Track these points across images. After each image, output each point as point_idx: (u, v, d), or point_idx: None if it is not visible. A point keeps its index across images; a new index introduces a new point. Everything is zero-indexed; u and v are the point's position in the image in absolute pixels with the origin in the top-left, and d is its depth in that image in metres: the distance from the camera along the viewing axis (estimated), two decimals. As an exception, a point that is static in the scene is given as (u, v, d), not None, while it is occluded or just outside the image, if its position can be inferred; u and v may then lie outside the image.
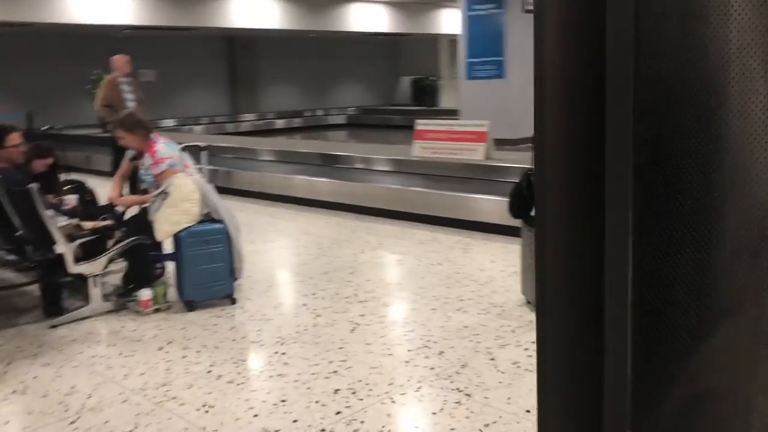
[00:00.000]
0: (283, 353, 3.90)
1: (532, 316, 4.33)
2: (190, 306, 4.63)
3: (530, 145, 12.82)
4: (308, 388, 3.45)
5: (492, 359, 3.76)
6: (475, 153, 7.86)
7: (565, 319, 1.02)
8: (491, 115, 12.62)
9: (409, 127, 18.58)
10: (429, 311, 4.51)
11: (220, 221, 4.68)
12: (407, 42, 22.07)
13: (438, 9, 19.36)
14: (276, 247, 6.45)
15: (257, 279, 5.37)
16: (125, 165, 5.19)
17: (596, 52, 0.92)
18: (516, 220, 6.13)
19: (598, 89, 0.93)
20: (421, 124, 8.47)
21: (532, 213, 4.45)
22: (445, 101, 22.04)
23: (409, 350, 3.90)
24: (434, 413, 3.18)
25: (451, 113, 18.10)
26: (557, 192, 0.97)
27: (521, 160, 7.86)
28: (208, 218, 4.69)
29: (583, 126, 0.95)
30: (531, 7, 13.24)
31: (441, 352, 3.85)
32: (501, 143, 9.08)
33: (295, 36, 18.97)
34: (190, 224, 4.59)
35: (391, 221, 7.15)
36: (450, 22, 19.59)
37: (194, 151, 6.25)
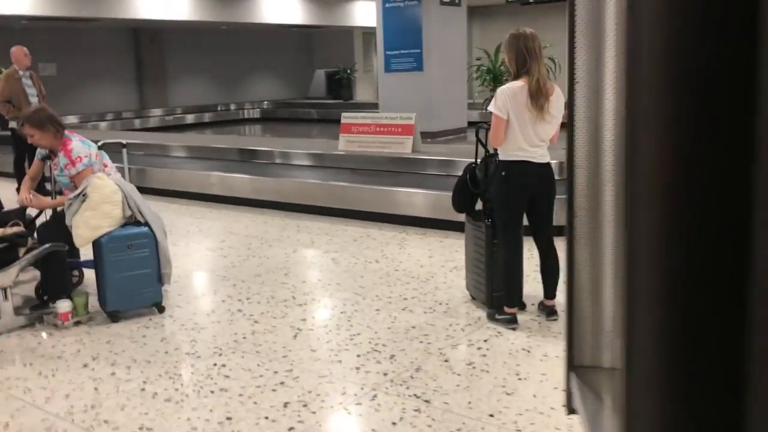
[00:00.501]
0: (223, 365, 3.63)
1: (479, 313, 4.21)
2: (115, 317, 4.27)
3: (453, 137, 12.87)
4: (255, 402, 3.20)
5: (446, 361, 3.60)
6: (403, 146, 7.72)
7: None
8: (410, 107, 12.49)
9: (325, 121, 18.61)
10: (373, 312, 4.32)
11: (144, 224, 4.33)
12: (321, 34, 21.75)
13: (352, 1, 19.14)
14: (202, 249, 6.11)
15: (185, 284, 5.04)
16: (36, 165, 4.75)
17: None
18: (454, 214, 6.05)
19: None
20: (347, 118, 8.26)
21: (477, 207, 4.33)
22: (361, 94, 21.87)
23: (358, 355, 3.70)
24: (394, 423, 2.99)
25: (368, 106, 17.98)
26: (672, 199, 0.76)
27: (449, 153, 7.80)
28: (131, 221, 4.33)
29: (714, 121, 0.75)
30: (448, 0, 13.31)
31: (392, 356, 3.67)
32: (421, 136, 8.98)
33: (205, 28, 18.33)
34: (112, 228, 4.22)
35: (320, 218, 6.92)
36: (365, 14, 19.40)
37: (115, 149, 5.79)
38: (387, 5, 13.37)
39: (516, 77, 3.82)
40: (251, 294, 4.76)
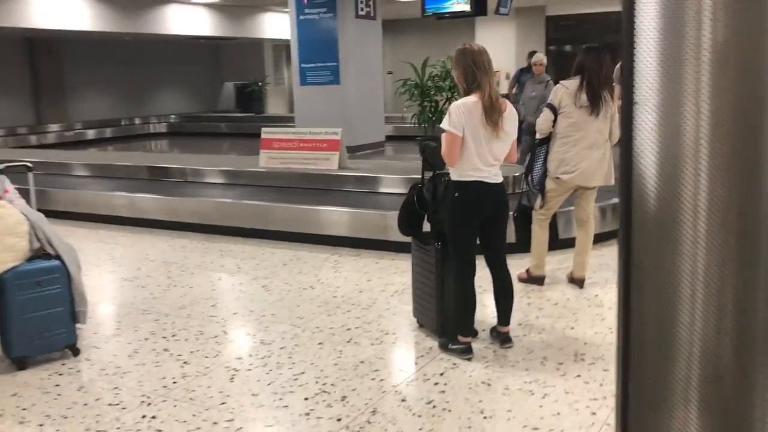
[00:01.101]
0: (153, 417, 3.20)
1: (430, 343, 3.95)
2: (21, 363, 3.75)
3: (371, 152, 12.64)
4: (195, 462, 2.81)
5: (403, 400, 3.31)
6: (329, 162, 7.40)
7: None
8: (327, 121, 12.21)
9: (236, 135, 18.03)
10: (315, 346, 3.98)
11: (55, 257, 3.84)
12: (230, 46, 21.12)
13: (262, 12, 18.68)
14: (117, 279, 5.58)
15: (101, 321, 4.55)
16: None
17: None
18: (389, 234, 5.79)
19: None
20: (267, 133, 7.86)
21: (425, 229, 4.08)
22: (272, 107, 21.40)
23: (305, 398, 3.35)
24: (358, 479, 2.68)
25: (280, 120, 17.57)
26: None
27: (377, 169, 7.54)
28: (39, 254, 3.83)
29: None
30: (363, 13, 13.11)
31: (344, 398, 3.34)
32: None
33: (107, 39, 17.41)
34: (18, 263, 3.71)
35: (244, 240, 6.50)
36: (276, 26, 19.00)
37: (19, 172, 5.16)
38: (301, 17, 13.06)
39: (466, 93, 3.60)
40: (177, 330, 4.32)
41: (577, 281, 4.88)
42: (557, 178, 4.65)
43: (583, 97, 4.54)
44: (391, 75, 18.06)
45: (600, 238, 5.54)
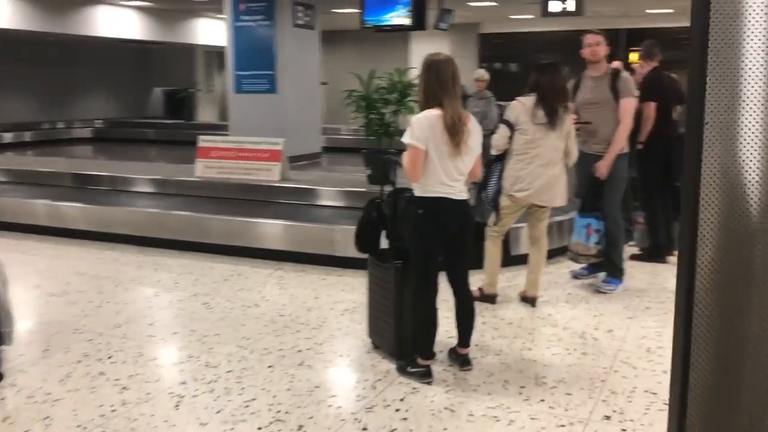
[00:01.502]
0: (91, 451, 2.92)
1: (387, 365, 3.78)
2: (-63, 391, 3.39)
3: (307, 162, 12.41)
4: (141, 503, 2.55)
5: (364, 429, 3.12)
6: (271, 173, 7.16)
7: None
8: (263, 130, 11.93)
9: (164, 142, 17.43)
10: (266, 370, 3.75)
11: (-22, 273, 3.49)
12: (161, 51, 20.47)
13: (195, 18, 18.21)
14: (43, 294, 5.19)
15: (29, 341, 4.19)
16: None
17: None
18: (335, 249, 5.59)
19: None
20: (205, 141, 7.56)
21: (383, 246, 3.92)
22: (203, 115, 20.87)
23: (259, 428, 3.13)
24: None
25: (211, 128, 17.12)
26: None
27: (319, 181, 7.35)
28: (-40, 269, 3.47)
29: None
30: (302, 22, 12.90)
31: (300, 427, 3.13)
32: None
33: (28, 38, 16.59)
34: (-65, 279, 3.35)
35: (181, 254, 6.19)
36: (209, 32, 18.55)
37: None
38: (237, 24, 12.75)
39: (424, 109, 3.46)
40: (113, 351, 4.01)
41: (529, 300, 4.81)
42: (512, 195, 4.57)
43: (540, 113, 4.49)
44: (326, 85, 17.86)
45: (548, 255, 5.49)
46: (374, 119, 6.66)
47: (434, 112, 3.40)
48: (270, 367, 3.78)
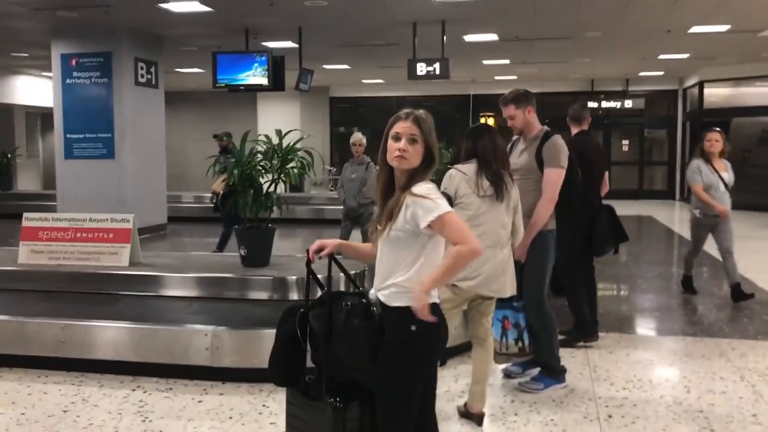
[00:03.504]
0: None
1: None
2: None
3: (151, 235, 10.84)
4: None
5: None
6: (118, 257, 5.76)
7: None
8: (97, 201, 10.41)
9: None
10: None
11: None
12: (-29, 111, 18.00)
13: (12, 75, 16.13)
14: None
15: None
16: None
17: None
18: (217, 360, 4.33)
19: None
20: (30, 219, 6.01)
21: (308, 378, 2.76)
22: (23, 183, 18.49)
23: None
24: None
25: (35, 197, 15.05)
26: None
27: (180, 265, 6.02)
28: None
29: None
30: (144, 80, 11.51)
31: None
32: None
33: None
34: None
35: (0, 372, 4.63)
36: (30, 90, 16.51)
37: None
38: (68, 81, 11.19)
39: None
40: None
41: (475, 417, 3.81)
42: (454, 285, 3.62)
43: (485, 183, 3.63)
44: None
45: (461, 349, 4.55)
46: (251, 191, 5.53)
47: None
48: None
